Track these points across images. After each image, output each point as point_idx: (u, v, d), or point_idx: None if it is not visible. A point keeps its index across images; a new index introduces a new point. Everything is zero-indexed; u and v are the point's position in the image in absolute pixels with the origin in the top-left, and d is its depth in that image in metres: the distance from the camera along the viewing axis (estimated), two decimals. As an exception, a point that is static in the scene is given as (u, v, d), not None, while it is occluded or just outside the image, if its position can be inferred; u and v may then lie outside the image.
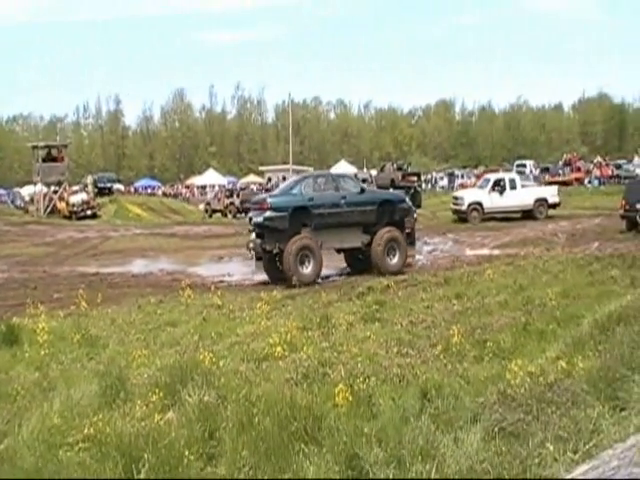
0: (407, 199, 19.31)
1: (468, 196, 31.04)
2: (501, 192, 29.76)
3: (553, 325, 8.09)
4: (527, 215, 29.57)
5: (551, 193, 30.77)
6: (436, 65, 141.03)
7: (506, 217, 29.66)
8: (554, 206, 30.38)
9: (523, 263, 14.73)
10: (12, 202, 54.02)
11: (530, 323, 8.33)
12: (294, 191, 16.83)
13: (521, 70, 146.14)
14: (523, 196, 29.97)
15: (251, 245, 16.90)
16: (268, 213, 16.17)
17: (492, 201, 29.70)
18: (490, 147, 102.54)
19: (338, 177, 18.49)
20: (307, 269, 15.89)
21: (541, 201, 29.98)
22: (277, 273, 16.35)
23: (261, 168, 73.68)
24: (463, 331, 7.82)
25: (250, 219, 16.98)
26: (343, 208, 16.61)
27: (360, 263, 17.45)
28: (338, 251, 17.59)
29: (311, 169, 69.07)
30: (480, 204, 29.72)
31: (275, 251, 16.05)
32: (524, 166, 51.51)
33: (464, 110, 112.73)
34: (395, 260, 16.70)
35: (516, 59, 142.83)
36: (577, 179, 49.47)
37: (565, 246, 18.82)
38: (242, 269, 20.09)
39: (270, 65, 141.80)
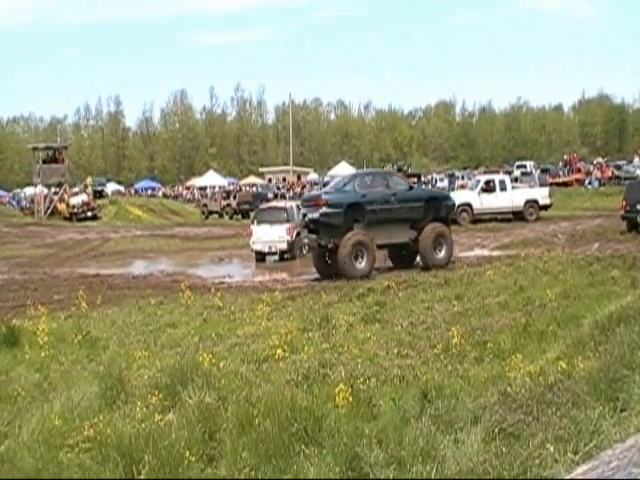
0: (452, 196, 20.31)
1: (457, 197, 30.98)
2: (491, 193, 29.70)
3: (553, 326, 8.09)
4: (518, 217, 29.45)
5: (542, 194, 30.58)
6: (436, 66, 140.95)
7: (501, 218, 29.58)
8: (545, 207, 30.35)
9: (523, 264, 14.72)
10: (18, 203, 53.91)
11: (530, 324, 8.33)
12: (347, 188, 17.31)
13: (521, 71, 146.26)
14: (513, 197, 29.86)
15: (305, 240, 17.51)
16: (324, 209, 16.64)
17: (482, 202, 29.61)
18: (490, 148, 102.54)
19: (388, 175, 19.19)
20: (361, 264, 16.30)
21: (531, 202, 29.86)
22: (326, 268, 16.91)
23: (261, 169, 73.81)
24: (463, 332, 7.82)
25: (304, 215, 17.53)
26: (393, 205, 17.13)
27: (403, 258, 18.03)
28: (384, 246, 17.87)
29: (311, 170, 69.22)
30: (470, 205, 29.64)
31: (330, 246, 16.48)
32: (524, 167, 51.45)
33: (464, 111, 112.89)
34: (442, 254, 17.17)
35: (516, 60, 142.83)
36: (577, 180, 49.45)
37: (565, 247, 18.82)
38: (242, 270, 20.14)
39: (270, 66, 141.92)
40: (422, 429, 4.71)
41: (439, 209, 17.82)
